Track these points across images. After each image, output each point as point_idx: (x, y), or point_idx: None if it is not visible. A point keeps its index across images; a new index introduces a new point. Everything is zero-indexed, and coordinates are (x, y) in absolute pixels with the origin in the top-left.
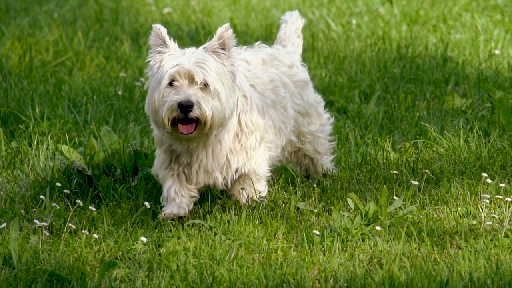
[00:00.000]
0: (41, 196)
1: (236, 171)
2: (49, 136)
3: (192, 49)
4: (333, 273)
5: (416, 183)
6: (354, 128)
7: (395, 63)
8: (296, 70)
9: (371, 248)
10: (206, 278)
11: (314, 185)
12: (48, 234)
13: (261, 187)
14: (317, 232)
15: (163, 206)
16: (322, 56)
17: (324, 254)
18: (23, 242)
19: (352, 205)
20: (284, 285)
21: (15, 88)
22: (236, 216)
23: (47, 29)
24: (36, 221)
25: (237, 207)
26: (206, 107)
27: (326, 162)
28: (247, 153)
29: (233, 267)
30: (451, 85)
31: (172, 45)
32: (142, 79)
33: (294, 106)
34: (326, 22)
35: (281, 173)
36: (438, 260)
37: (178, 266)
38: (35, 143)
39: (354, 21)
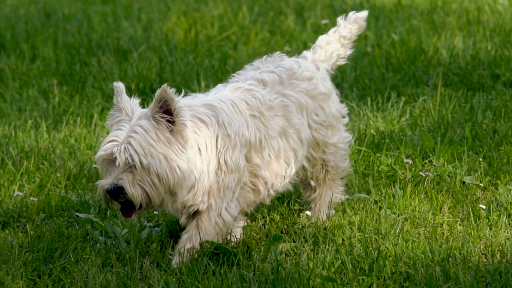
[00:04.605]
0: None
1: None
2: None
3: (136, 114)
4: (500, 247)
5: None
6: None
7: None
8: (315, 82)
9: None
10: (372, 252)
11: (480, 159)
12: None
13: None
14: (483, 207)
15: None
16: (488, 29)
17: (490, 229)
18: None
19: None
20: (450, 259)
21: (181, 62)
22: (401, 190)
23: (212, 4)
24: None
25: (402, 181)
26: (134, 190)
27: (337, 192)
28: (221, 191)
29: (398, 241)
30: None
31: (125, 106)
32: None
33: (313, 125)
34: None
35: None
36: None
37: (343, 240)
38: None
39: None
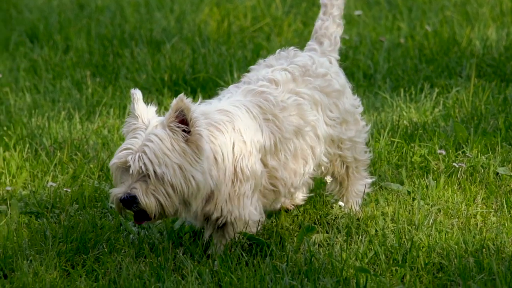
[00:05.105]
0: None
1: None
2: None
3: (152, 123)
4: None
5: None
6: None
7: None
8: (329, 79)
9: None
10: (405, 243)
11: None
12: None
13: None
14: None
15: None
16: None
17: None
18: None
19: None
20: (484, 250)
21: (214, 53)
22: (435, 181)
23: None
24: None
25: (436, 172)
26: (147, 199)
27: (360, 185)
28: (239, 199)
29: (431, 232)
30: None
31: (141, 114)
32: None
33: (328, 121)
34: None
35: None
36: None
37: (376, 230)
38: None
39: None
